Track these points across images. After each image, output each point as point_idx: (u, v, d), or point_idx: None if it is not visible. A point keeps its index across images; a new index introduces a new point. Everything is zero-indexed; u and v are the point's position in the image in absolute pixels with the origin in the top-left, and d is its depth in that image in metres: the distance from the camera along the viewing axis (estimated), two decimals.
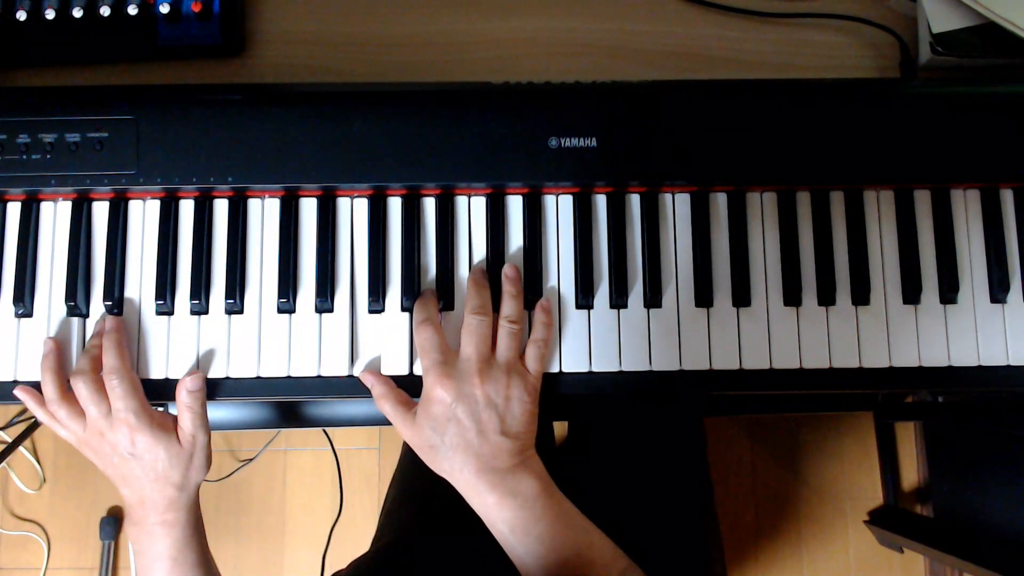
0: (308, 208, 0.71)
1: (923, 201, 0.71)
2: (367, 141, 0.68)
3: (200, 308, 0.69)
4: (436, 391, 0.64)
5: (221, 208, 0.71)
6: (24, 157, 0.68)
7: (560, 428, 1.37)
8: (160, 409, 0.68)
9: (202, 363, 0.69)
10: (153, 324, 0.69)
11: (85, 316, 0.69)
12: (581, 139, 0.68)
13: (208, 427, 0.68)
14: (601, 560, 0.63)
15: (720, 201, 0.71)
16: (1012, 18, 0.71)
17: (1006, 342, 0.69)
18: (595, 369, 0.69)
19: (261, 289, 0.70)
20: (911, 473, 1.65)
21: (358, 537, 1.61)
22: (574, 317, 0.69)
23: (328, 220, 0.70)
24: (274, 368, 0.68)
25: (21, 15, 0.75)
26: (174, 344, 0.69)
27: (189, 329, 0.69)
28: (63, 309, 0.69)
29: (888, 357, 0.69)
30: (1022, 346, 0.69)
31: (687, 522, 0.87)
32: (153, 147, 0.68)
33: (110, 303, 0.69)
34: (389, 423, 0.67)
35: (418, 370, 0.68)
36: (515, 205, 0.71)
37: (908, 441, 1.66)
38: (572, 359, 0.69)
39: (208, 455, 0.68)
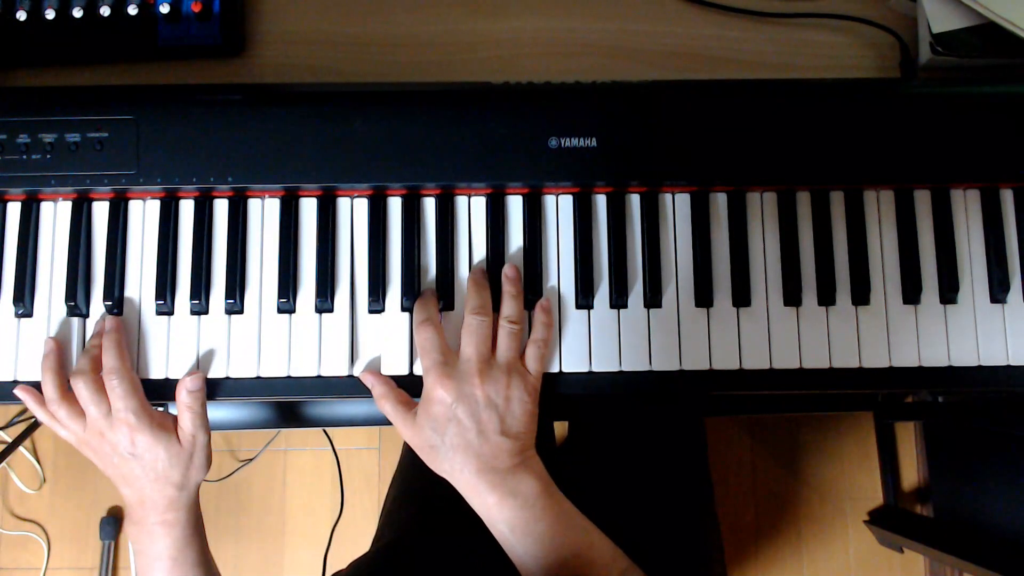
0: (308, 208, 0.71)
1: (923, 201, 0.71)
2: (367, 141, 0.68)
3: (200, 308, 0.69)
4: (436, 391, 0.64)
5: (221, 208, 0.71)
6: (24, 157, 0.68)
7: (560, 428, 1.37)
8: (160, 409, 0.68)
9: (202, 363, 0.69)
10: (153, 324, 0.69)
11: (85, 316, 0.69)
12: (581, 139, 0.68)
13: (208, 427, 0.68)
14: (601, 560, 0.63)
15: (720, 201, 0.71)
16: (1012, 18, 0.71)
17: (1006, 342, 0.69)
18: (595, 369, 0.69)
19: (261, 289, 0.70)
20: (911, 473, 1.65)
21: (358, 537, 1.60)
22: (574, 317, 0.69)
23: (328, 220, 0.70)
24: (274, 368, 0.68)
25: (21, 15, 0.75)
26: (174, 344, 0.69)
27: (189, 329, 0.69)
28: (63, 309, 0.69)
29: (888, 357, 0.69)
30: (1022, 346, 0.69)
31: (687, 522, 0.87)
32: (153, 147, 0.68)
33: (110, 303, 0.69)
34: (389, 423, 0.67)
35: (418, 370, 0.68)
36: (515, 205, 0.71)
37: (908, 441, 1.66)
38: (572, 359, 0.69)
39: (208, 455, 0.68)
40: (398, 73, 0.78)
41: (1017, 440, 1.31)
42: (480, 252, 0.70)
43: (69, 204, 0.71)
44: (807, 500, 1.66)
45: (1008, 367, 0.69)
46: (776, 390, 0.69)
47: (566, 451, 1.07)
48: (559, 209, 0.71)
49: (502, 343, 0.66)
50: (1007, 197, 0.71)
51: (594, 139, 0.68)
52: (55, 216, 0.70)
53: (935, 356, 0.69)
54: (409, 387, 0.68)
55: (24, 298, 0.69)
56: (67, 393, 0.66)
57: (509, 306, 0.67)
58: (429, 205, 0.71)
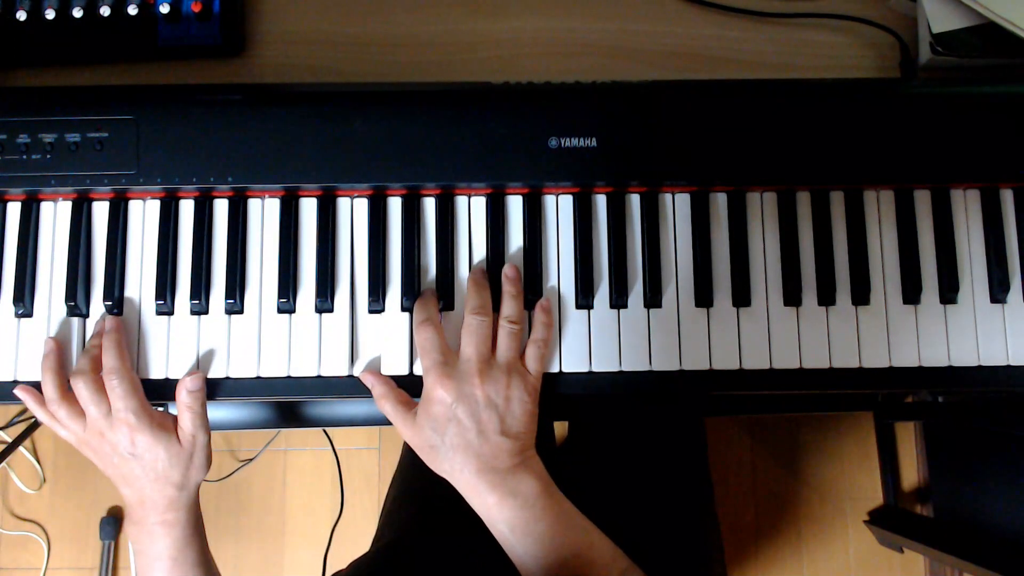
0: (308, 208, 0.71)
1: (923, 201, 0.71)
2: (367, 141, 0.68)
3: (200, 308, 0.69)
4: (436, 391, 0.64)
5: (221, 208, 0.71)
6: (24, 157, 0.68)
7: (560, 428, 1.37)
8: (160, 409, 0.68)
9: (202, 363, 0.69)
10: (153, 324, 0.69)
11: (85, 316, 0.69)
12: (581, 139, 0.68)
13: (208, 427, 0.68)
14: (601, 560, 0.63)
15: (720, 201, 0.71)
16: (1012, 18, 0.71)
17: (1006, 342, 0.69)
18: (595, 369, 0.69)
19: (261, 289, 0.70)
20: (911, 473, 1.65)
21: (358, 537, 1.60)
22: (574, 317, 0.69)
23: (328, 220, 0.70)
24: (274, 368, 0.68)
25: (21, 15, 0.75)
26: (174, 344, 0.69)
27: (189, 329, 0.69)
28: (63, 309, 0.69)
29: (888, 357, 0.69)
30: (1022, 346, 0.69)
31: (687, 522, 0.87)
32: (153, 147, 0.68)
33: (110, 303, 0.69)
34: (389, 423, 0.67)
35: (418, 370, 0.68)
36: (515, 205, 0.71)
37: (908, 441, 1.66)
38: (572, 359, 0.69)
39: (208, 455, 0.68)
40: (398, 73, 0.78)
41: (1017, 440, 1.31)
42: (480, 252, 0.70)
43: (69, 204, 0.71)
44: (807, 500, 1.66)
45: (1008, 367, 0.69)
46: (776, 390, 0.69)
47: (566, 451, 1.07)
48: (559, 209, 0.71)
49: (502, 343, 0.66)
50: (1007, 197, 0.71)
51: (594, 139, 0.68)
52: (55, 216, 0.70)
53: (935, 356, 0.69)
54: (409, 387, 0.68)
55: (24, 298, 0.69)
56: (67, 393, 0.66)
57: (509, 306, 0.67)
58: (429, 205, 0.71)
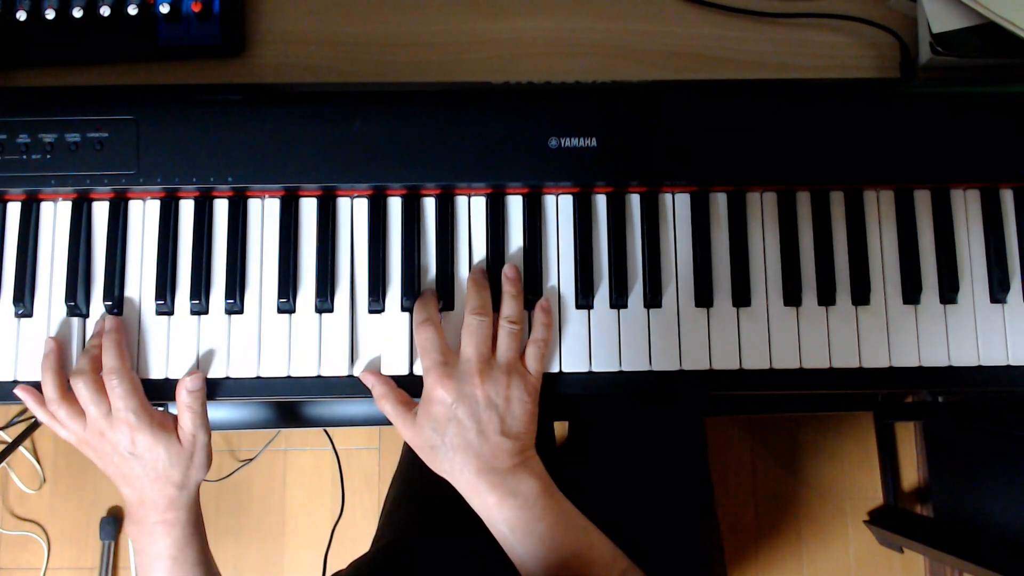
0: (308, 208, 0.71)
1: (923, 201, 0.71)
2: (367, 141, 0.68)
3: (200, 308, 0.69)
4: (437, 391, 0.64)
5: (221, 208, 0.71)
6: (24, 157, 0.68)
7: (560, 428, 1.37)
8: (160, 409, 0.68)
9: (202, 363, 0.69)
10: (153, 324, 0.69)
11: (85, 316, 0.69)
12: (581, 139, 0.68)
13: (208, 427, 0.68)
14: (601, 560, 0.63)
15: (720, 201, 0.71)
16: (1012, 18, 0.71)
17: (1006, 342, 0.69)
18: (595, 369, 0.69)
19: (261, 289, 0.70)
20: (911, 473, 1.65)
21: (358, 537, 1.60)
22: (574, 317, 0.69)
23: (328, 220, 0.70)
24: (274, 368, 0.68)
25: (21, 15, 0.75)
26: (174, 344, 0.69)
27: (189, 329, 0.69)
28: (63, 309, 0.69)
29: (888, 357, 0.69)
30: (1022, 346, 0.69)
31: (687, 522, 0.87)
32: (153, 147, 0.68)
33: (110, 303, 0.69)
34: (389, 423, 0.67)
35: (418, 370, 0.68)
36: (515, 205, 0.71)
37: (908, 441, 1.66)
38: (572, 359, 0.69)
39: (208, 454, 0.68)
40: (398, 73, 0.79)
41: (1017, 440, 1.31)
42: (480, 252, 0.70)
43: (69, 204, 0.71)
44: (807, 500, 1.66)
45: (1008, 367, 0.69)
46: (776, 390, 0.69)
47: (566, 451, 1.07)
48: (559, 209, 0.71)
49: (502, 343, 0.66)
50: (1007, 197, 0.71)
51: (594, 139, 0.68)
52: (55, 216, 0.70)
53: (935, 356, 0.69)
54: (409, 387, 0.68)
55: (24, 298, 0.69)
56: (67, 393, 0.66)
57: (509, 306, 0.67)
58: (429, 205, 0.71)
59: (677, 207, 0.71)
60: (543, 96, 0.70)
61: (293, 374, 0.68)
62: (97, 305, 0.69)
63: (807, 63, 0.78)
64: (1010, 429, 1.31)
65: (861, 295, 0.69)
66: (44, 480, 1.70)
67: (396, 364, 0.69)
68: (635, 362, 0.69)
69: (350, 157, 0.68)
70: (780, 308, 0.69)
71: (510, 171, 0.69)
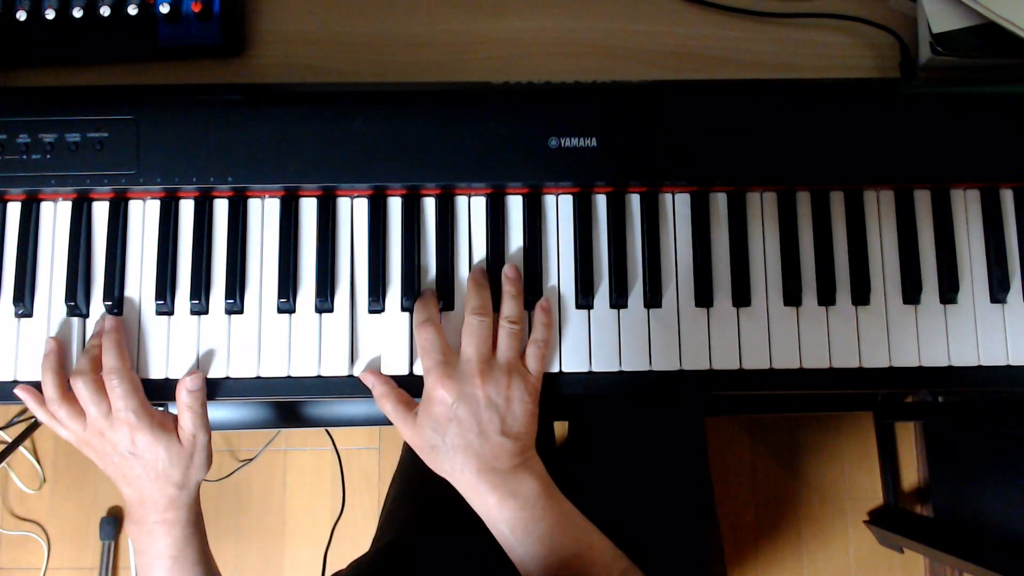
0: (308, 208, 0.71)
1: (923, 201, 0.71)
2: (367, 141, 0.68)
3: (200, 308, 0.69)
4: (437, 391, 0.64)
5: (221, 208, 0.71)
6: (24, 157, 0.68)
7: (560, 428, 1.37)
8: (160, 409, 0.68)
9: (202, 363, 0.69)
10: (153, 324, 0.69)
11: (85, 316, 0.69)
12: (581, 139, 0.68)
13: (208, 426, 0.68)
14: (601, 561, 0.63)
15: (720, 201, 0.71)
16: (1012, 18, 0.71)
17: (1006, 342, 0.69)
18: (595, 369, 0.69)
19: (261, 289, 0.70)
20: (911, 473, 1.65)
21: (358, 537, 1.60)
22: (574, 317, 0.69)
23: (328, 220, 0.70)
24: (274, 368, 0.68)
25: (21, 15, 0.75)
26: (174, 344, 0.69)
27: (189, 329, 0.69)
28: (63, 309, 0.69)
29: (888, 357, 0.69)
30: (1022, 346, 0.69)
31: (687, 522, 0.87)
32: (153, 147, 0.68)
33: (110, 303, 0.69)
34: (389, 423, 0.67)
35: (418, 370, 0.68)
36: (515, 205, 0.71)
37: (908, 441, 1.66)
38: (572, 359, 0.69)
39: (208, 454, 0.68)
40: (398, 73, 0.79)
41: (1017, 440, 1.31)
42: (480, 252, 0.70)
43: (69, 204, 0.71)
44: (807, 500, 1.66)
45: (1008, 367, 0.69)
46: (776, 390, 0.69)
47: (566, 451, 1.07)
48: (559, 209, 0.71)
49: (502, 343, 0.66)
50: (1007, 197, 0.71)
51: (594, 139, 0.68)
52: (55, 216, 0.70)
53: (935, 356, 0.69)
54: (409, 387, 0.68)
55: (24, 298, 0.69)
56: (67, 393, 0.66)
57: (509, 306, 0.67)
58: (429, 205, 0.71)
59: (677, 207, 0.71)
60: (543, 96, 0.70)
61: (293, 374, 0.68)
62: (97, 305, 0.69)
63: (807, 63, 0.78)
64: (1010, 429, 1.31)
65: (861, 295, 0.69)
66: (44, 480, 1.70)
67: (396, 364, 0.69)
68: (635, 362, 0.69)
69: (350, 157, 0.68)
70: (780, 308, 0.69)
71: (510, 171, 0.69)
